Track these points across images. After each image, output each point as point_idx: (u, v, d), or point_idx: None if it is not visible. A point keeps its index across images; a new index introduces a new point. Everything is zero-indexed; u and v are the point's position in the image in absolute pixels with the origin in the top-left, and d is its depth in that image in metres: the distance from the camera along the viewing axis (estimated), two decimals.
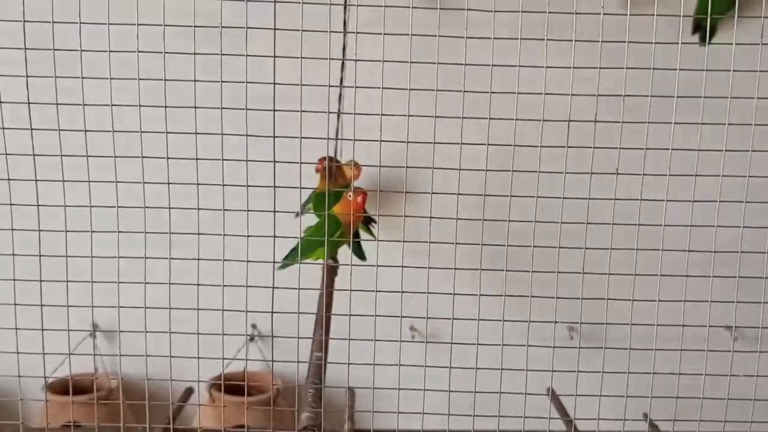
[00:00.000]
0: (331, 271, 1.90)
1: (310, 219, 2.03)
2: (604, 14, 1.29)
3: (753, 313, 1.41)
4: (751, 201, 1.35)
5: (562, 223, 1.35)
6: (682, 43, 1.32)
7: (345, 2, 1.50)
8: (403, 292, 1.36)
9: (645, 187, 1.33)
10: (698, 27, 2.12)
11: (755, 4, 2.01)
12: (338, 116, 1.60)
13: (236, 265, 1.35)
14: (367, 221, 2.07)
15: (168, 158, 1.33)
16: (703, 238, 1.38)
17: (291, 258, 1.86)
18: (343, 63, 1.62)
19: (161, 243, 1.35)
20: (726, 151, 1.31)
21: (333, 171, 1.94)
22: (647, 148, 1.31)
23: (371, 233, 2.07)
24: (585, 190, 1.34)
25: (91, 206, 1.35)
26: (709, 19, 2.02)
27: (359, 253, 2.01)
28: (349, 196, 1.81)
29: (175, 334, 1.37)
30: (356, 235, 2.00)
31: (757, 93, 1.31)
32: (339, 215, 1.84)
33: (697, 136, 1.30)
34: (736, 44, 1.29)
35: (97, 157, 1.34)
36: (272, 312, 1.35)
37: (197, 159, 1.34)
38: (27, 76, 1.28)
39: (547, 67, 1.28)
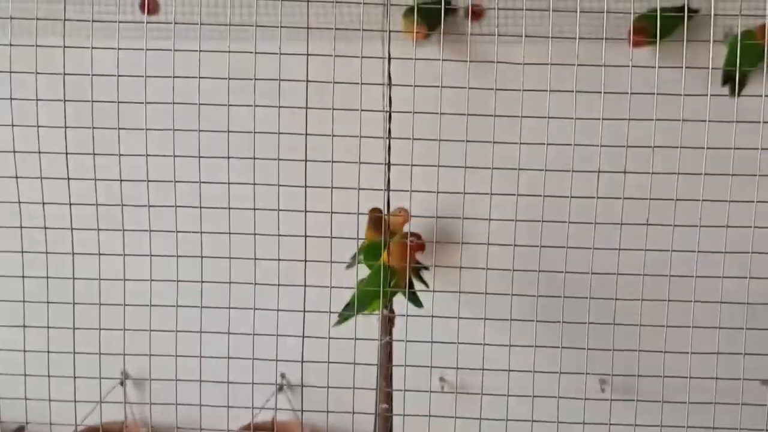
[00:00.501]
0: (388, 322, 1.90)
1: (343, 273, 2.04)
2: (632, 66, 1.30)
3: None
4: None
5: (592, 273, 1.35)
6: (711, 95, 1.32)
7: (388, 55, 1.52)
8: (432, 342, 1.36)
9: (676, 237, 1.32)
10: (728, 78, 2.11)
11: None
12: (388, 167, 1.61)
13: (267, 314, 1.36)
14: (418, 269, 2.06)
15: (201, 207, 1.35)
16: (737, 290, 1.37)
17: (348, 311, 1.85)
18: (390, 114, 1.64)
19: (191, 292, 1.37)
20: (758, 202, 1.30)
21: (385, 221, 1.95)
22: (677, 199, 1.31)
23: (423, 282, 2.06)
24: (617, 240, 1.33)
25: (125, 255, 1.37)
26: (738, 72, 2.02)
27: (416, 301, 1.99)
28: (409, 240, 1.82)
29: (204, 383, 1.38)
30: (410, 285, 1.99)
31: None
32: (392, 264, 1.84)
33: (727, 188, 1.30)
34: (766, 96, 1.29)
35: (128, 205, 1.36)
36: (302, 361, 1.36)
37: (229, 208, 1.35)
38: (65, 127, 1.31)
39: (576, 118, 1.29)
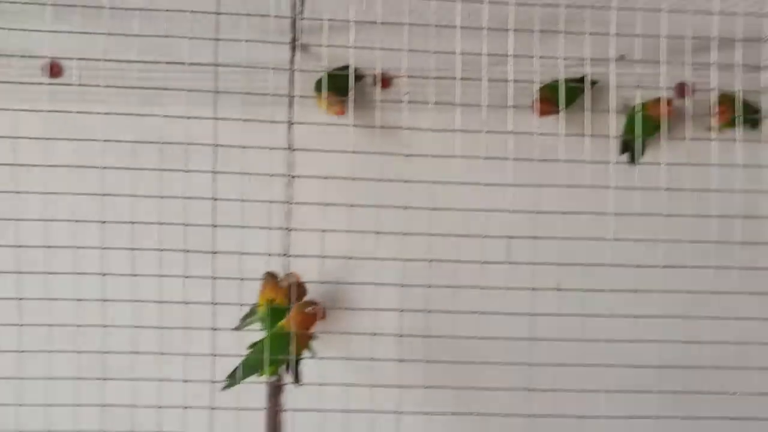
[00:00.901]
0: (279, 391, 1.84)
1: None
2: (539, 134, 1.33)
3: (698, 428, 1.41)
4: (688, 316, 1.36)
5: (507, 339, 1.35)
6: (615, 162, 1.36)
7: (289, 121, 1.51)
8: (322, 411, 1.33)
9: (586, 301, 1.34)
10: (626, 147, 2.18)
11: (679, 126, 2.09)
12: (288, 231, 1.59)
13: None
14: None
15: (104, 274, 1.29)
16: (648, 352, 1.39)
17: (238, 376, 1.79)
18: (290, 178, 1.62)
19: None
20: (665, 267, 1.33)
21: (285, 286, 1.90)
22: (585, 264, 1.32)
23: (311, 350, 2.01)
24: (521, 306, 1.34)
25: None
26: (636, 140, 2.09)
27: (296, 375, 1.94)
28: (308, 309, 1.78)
29: None
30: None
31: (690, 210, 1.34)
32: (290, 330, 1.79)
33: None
34: (666, 164, 1.33)
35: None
36: None
37: (133, 275, 1.30)
38: None
39: (486, 184, 1.30)
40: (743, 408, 1.38)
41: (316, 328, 1.97)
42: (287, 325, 1.79)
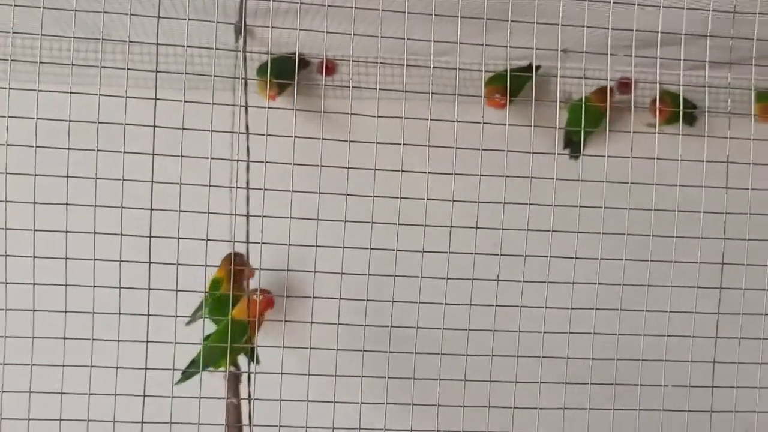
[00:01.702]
0: (236, 380, 1.83)
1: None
2: (484, 123, 1.32)
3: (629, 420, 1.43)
4: (625, 309, 1.38)
5: (444, 329, 1.35)
6: (558, 153, 1.36)
7: (240, 103, 1.49)
8: (281, 400, 1.32)
9: (526, 289, 1.34)
10: (569, 142, 2.20)
11: (623, 120, 2.12)
12: (247, 219, 1.57)
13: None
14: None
15: (34, 257, 1.26)
16: (581, 344, 1.40)
17: (193, 369, 1.76)
18: (248, 165, 1.60)
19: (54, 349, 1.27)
20: (602, 259, 1.35)
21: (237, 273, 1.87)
22: (527, 255, 1.33)
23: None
24: (467, 296, 1.34)
25: None
26: (582, 133, 2.11)
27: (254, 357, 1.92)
28: (255, 297, 1.76)
29: None
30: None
31: (629, 204, 1.36)
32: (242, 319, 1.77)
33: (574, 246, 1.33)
34: (608, 157, 1.34)
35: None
36: (171, 423, 1.28)
37: (94, 260, 1.27)
38: None
39: (430, 172, 1.30)
40: (676, 401, 1.41)
41: (267, 316, 1.96)
42: (238, 314, 1.77)
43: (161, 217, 1.26)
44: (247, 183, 1.34)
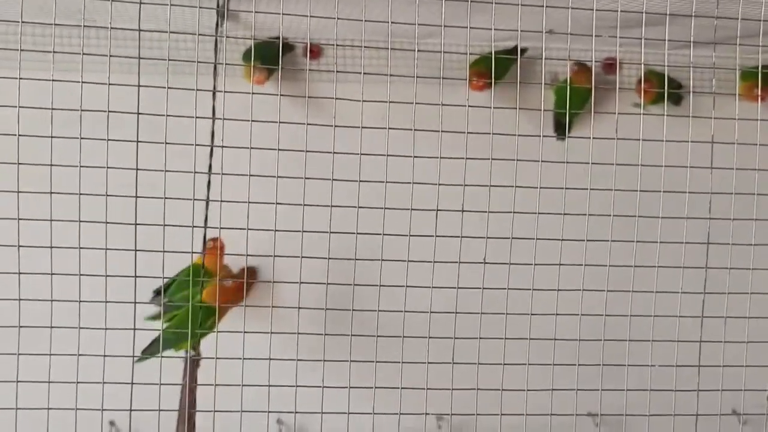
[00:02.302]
0: (195, 365, 1.82)
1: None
2: (469, 106, 1.32)
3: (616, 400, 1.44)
4: (612, 290, 1.38)
5: (431, 312, 1.35)
6: (543, 136, 1.36)
7: (214, 88, 1.48)
8: (270, 386, 1.32)
9: (513, 272, 1.34)
10: (559, 124, 2.20)
11: (610, 101, 2.12)
12: (206, 204, 1.57)
13: (92, 360, 1.28)
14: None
15: (19, 246, 1.25)
16: (567, 326, 1.41)
17: (153, 350, 1.77)
18: (211, 150, 1.60)
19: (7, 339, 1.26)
20: (588, 241, 1.35)
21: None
22: (513, 238, 1.33)
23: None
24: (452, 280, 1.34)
25: None
26: (567, 115, 2.11)
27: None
28: (227, 282, 1.76)
29: None
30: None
31: (614, 185, 1.36)
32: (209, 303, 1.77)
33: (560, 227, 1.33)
34: (593, 138, 1.34)
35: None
36: (131, 410, 1.28)
37: (51, 247, 1.26)
38: None
39: (415, 156, 1.29)
40: (663, 380, 1.42)
41: (235, 300, 1.96)
42: (206, 298, 1.77)
43: (138, 204, 1.25)
44: (221, 169, 1.33)
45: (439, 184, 1.30)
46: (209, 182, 1.55)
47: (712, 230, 1.37)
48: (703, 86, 2.01)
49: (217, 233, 1.63)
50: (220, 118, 1.45)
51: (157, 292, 1.94)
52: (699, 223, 1.37)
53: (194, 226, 1.31)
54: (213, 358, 1.36)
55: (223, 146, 1.31)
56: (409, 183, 1.30)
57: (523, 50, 2.08)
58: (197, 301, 1.65)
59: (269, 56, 2.00)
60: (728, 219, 1.38)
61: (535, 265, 1.34)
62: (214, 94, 1.52)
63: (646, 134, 1.35)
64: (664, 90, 1.87)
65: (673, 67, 1.55)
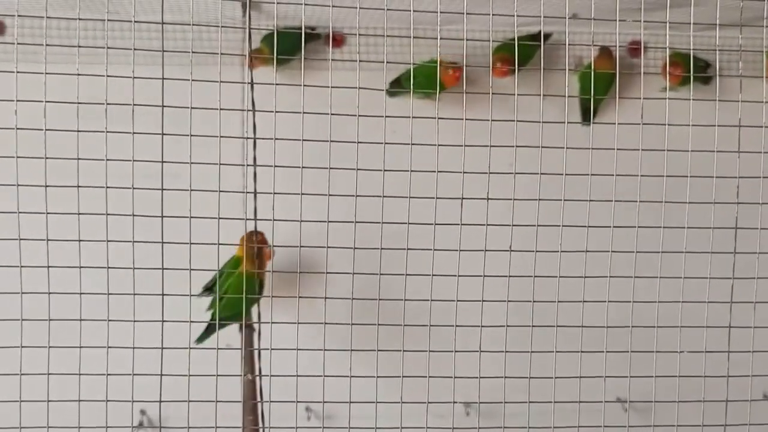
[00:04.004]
0: (251, 333, 1.87)
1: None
2: (492, 94, 1.31)
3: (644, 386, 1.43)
4: (639, 276, 1.37)
5: (458, 301, 1.35)
6: (568, 122, 1.35)
7: (246, 80, 1.48)
8: (298, 376, 1.32)
9: (539, 259, 1.34)
10: (586, 111, 2.18)
11: (633, 85, 2.10)
12: (255, 196, 1.58)
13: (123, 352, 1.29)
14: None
15: (48, 240, 1.26)
16: (595, 313, 1.40)
17: (210, 330, 1.82)
18: (255, 142, 1.60)
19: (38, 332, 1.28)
20: (615, 227, 1.34)
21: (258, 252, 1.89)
22: (539, 225, 1.32)
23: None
24: (472, 268, 1.34)
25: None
26: (592, 100, 2.09)
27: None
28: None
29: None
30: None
31: (640, 170, 1.35)
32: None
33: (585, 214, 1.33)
34: (618, 124, 1.33)
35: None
36: (160, 401, 1.29)
37: (79, 241, 1.27)
38: None
39: (439, 145, 1.29)
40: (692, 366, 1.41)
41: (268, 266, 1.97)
42: (243, 268, 1.80)
43: (168, 196, 1.26)
44: (255, 160, 1.33)
45: (464, 172, 1.30)
46: (255, 174, 1.56)
47: (740, 215, 1.36)
48: (730, 68, 1.98)
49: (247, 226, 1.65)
50: (251, 110, 1.45)
51: (207, 288, 1.97)
52: (727, 208, 1.35)
53: (219, 218, 1.31)
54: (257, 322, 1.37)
55: (246, 137, 1.32)
56: (434, 171, 1.30)
57: (547, 36, 2.06)
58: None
59: (293, 45, 2.00)
60: (756, 203, 1.37)
61: (561, 252, 1.33)
62: (252, 86, 1.52)
63: (671, 118, 1.34)
64: (690, 73, 1.84)
65: (698, 50, 1.53)
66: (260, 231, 1.82)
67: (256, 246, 1.79)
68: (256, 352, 1.75)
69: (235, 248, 1.89)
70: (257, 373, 1.70)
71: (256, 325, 1.87)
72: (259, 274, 1.84)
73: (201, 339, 1.79)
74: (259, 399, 1.68)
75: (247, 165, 1.41)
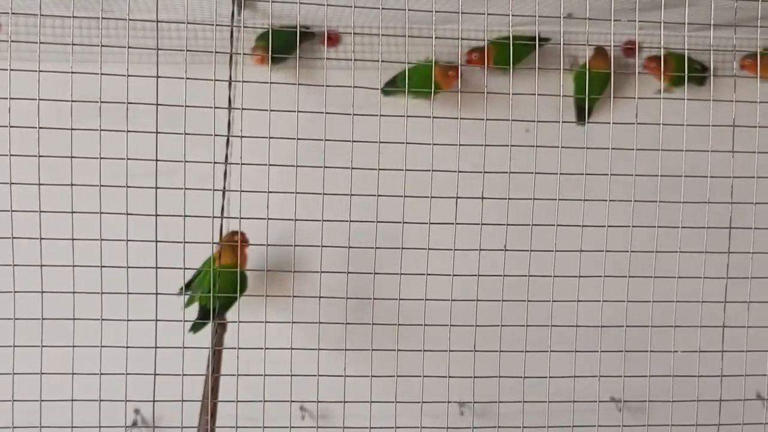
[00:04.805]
0: (222, 329, 1.86)
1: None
2: (488, 93, 1.31)
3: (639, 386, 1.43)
4: (633, 276, 1.37)
5: (452, 300, 1.35)
6: (563, 122, 1.35)
7: (230, 79, 1.48)
8: (292, 375, 1.32)
9: (534, 259, 1.34)
10: (581, 110, 2.19)
11: (628, 85, 2.10)
12: (223, 194, 1.57)
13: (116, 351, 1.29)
14: None
15: (41, 238, 1.26)
16: (589, 312, 1.40)
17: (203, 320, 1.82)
18: (228, 139, 1.60)
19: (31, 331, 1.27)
20: (609, 227, 1.34)
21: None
22: (533, 225, 1.32)
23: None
24: (468, 266, 1.34)
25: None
26: (587, 100, 2.10)
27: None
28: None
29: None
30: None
31: (635, 170, 1.35)
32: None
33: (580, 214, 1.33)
34: (613, 123, 1.33)
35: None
36: (154, 401, 1.29)
37: (73, 239, 1.27)
38: None
39: (434, 144, 1.29)
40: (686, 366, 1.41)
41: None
42: (224, 262, 1.80)
43: (151, 195, 1.26)
44: (226, 158, 1.33)
45: (459, 172, 1.30)
46: (226, 172, 1.55)
47: (734, 214, 1.36)
48: (724, 68, 1.99)
49: (237, 225, 1.64)
50: (238, 108, 1.45)
51: (187, 285, 1.97)
52: (721, 208, 1.36)
53: (213, 217, 1.31)
54: (236, 321, 1.37)
55: (242, 136, 1.31)
56: (428, 171, 1.30)
57: (545, 39, 2.06)
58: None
59: (287, 43, 2.00)
60: (750, 203, 1.37)
61: (556, 251, 1.33)
62: (230, 84, 1.52)
63: (666, 118, 1.34)
64: (683, 73, 1.85)
65: (693, 50, 1.53)
66: (242, 231, 1.82)
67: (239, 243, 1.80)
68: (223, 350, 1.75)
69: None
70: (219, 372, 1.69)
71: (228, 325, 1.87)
72: (241, 268, 1.84)
73: (195, 328, 1.81)
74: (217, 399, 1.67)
75: (242, 164, 1.40)
